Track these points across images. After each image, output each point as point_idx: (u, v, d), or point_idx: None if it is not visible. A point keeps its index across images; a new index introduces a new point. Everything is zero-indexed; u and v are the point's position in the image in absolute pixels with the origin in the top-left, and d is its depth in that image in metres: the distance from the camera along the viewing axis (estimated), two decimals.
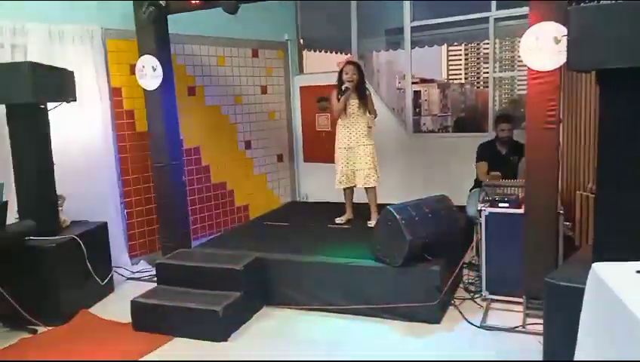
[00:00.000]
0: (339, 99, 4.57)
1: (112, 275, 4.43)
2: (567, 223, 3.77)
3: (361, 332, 3.53)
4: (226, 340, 3.47)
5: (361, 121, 4.60)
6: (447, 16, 5.82)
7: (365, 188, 4.66)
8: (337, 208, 4.96)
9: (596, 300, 2.06)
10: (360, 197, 4.87)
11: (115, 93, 4.88)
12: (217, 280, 3.78)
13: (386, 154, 5.99)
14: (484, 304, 3.78)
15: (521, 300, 3.57)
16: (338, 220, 4.85)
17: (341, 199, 4.89)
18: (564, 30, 3.09)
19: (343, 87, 4.53)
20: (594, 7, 2.45)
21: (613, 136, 2.51)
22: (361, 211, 4.78)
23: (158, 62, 4.53)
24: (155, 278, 4.21)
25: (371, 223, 4.56)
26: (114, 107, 4.88)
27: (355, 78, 4.53)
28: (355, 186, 4.75)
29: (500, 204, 3.77)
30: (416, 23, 5.92)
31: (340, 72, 4.59)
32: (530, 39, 3.26)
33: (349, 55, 5.04)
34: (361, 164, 4.60)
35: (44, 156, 4.02)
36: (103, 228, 4.38)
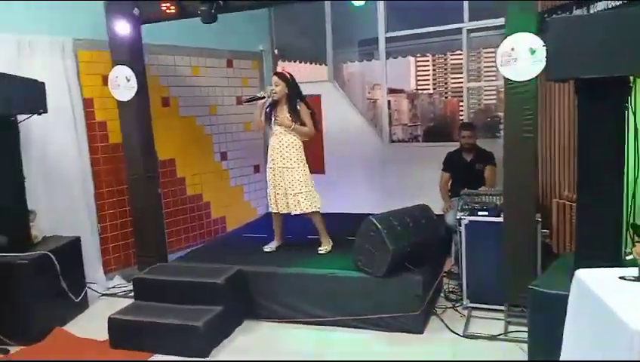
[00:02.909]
0: (265, 113, 4.21)
1: (86, 291, 4.30)
2: (545, 231, 3.84)
3: (344, 344, 3.51)
4: (207, 356, 3.40)
5: (290, 140, 4.15)
6: (419, 28, 5.89)
7: (306, 213, 4.21)
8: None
9: (581, 306, 2.09)
10: (336, 208, 4.80)
11: (86, 104, 4.76)
12: (197, 294, 3.71)
13: (364, 165, 6.03)
14: (465, 312, 3.80)
15: (502, 308, 3.61)
16: (267, 248, 4.39)
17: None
18: (539, 41, 3.17)
19: (259, 94, 4.16)
20: (572, 19, 2.52)
21: (592, 145, 2.56)
22: (340, 221, 4.75)
23: (132, 73, 4.44)
24: (131, 294, 4.11)
25: (322, 250, 4.26)
26: (86, 119, 4.75)
27: (278, 89, 4.10)
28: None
29: (480, 213, 3.81)
30: (390, 34, 5.97)
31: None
32: (506, 49, 3.32)
33: (281, 67, 4.68)
34: (292, 188, 4.15)
35: (14, 169, 3.89)
36: (76, 243, 4.25)
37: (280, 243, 4.47)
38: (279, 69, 4.34)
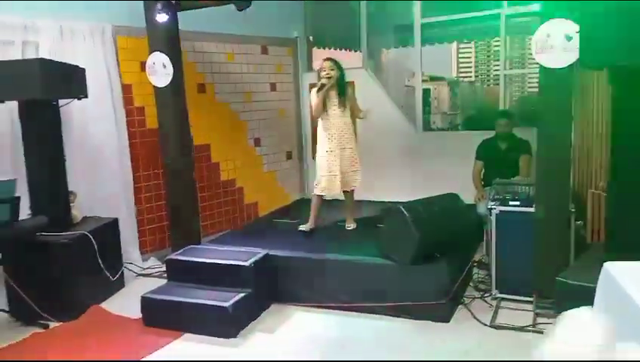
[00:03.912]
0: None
1: (122, 271, 4.45)
2: (579, 222, 3.74)
3: (369, 330, 3.53)
4: (235, 336, 3.48)
5: (346, 121, 4.37)
6: (457, 13, 5.79)
7: (345, 190, 4.46)
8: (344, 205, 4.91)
9: (607, 299, 2.06)
10: (367, 195, 4.82)
11: (125, 89, 4.90)
12: (227, 276, 3.79)
13: (395, 153, 5.99)
14: (494, 303, 3.76)
15: (531, 299, 3.56)
16: (302, 227, 4.54)
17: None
18: (576, 27, 3.07)
19: (319, 83, 4.28)
20: (606, 4, 2.43)
21: (626, 135, 2.49)
22: (370, 209, 4.77)
23: (169, 60, 4.53)
24: (165, 274, 4.23)
25: (350, 226, 4.56)
26: (125, 104, 4.89)
27: (334, 73, 4.26)
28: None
29: (511, 203, 3.74)
30: (426, 20, 5.89)
31: (319, 71, 4.36)
32: (541, 36, 3.23)
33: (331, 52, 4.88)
34: (347, 167, 4.38)
35: (55, 152, 4.05)
36: (114, 224, 4.40)
37: (313, 226, 4.55)
38: (328, 56, 4.49)
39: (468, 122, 9.00)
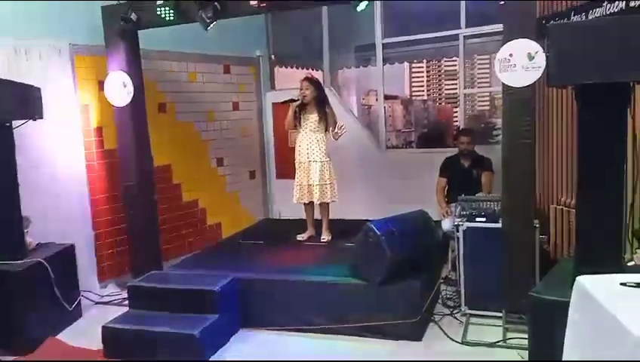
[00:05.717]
0: (294, 114, 4.61)
1: (79, 300, 4.25)
2: (543, 236, 3.82)
3: (342, 352, 3.47)
4: None
5: (317, 137, 4.60)
6: (416, 34, 5.91)
7: (319, 203, 4.66)
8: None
9: (582, 312, 2.07)
10: (333, 213, 4.84)
11: (83, 110, 4.73)
12: (193, 302, 3.67)
13: (359, 170, 6.01)
14: (463, 319, 3.78)
15: (500, 314, 3.58)
16: (299, 237, 4.81)
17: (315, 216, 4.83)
18: (537, 47, 3.17)
19: (295, 97, 4.55)
20: (573, 24, 2.51)
21: (592, 150, 2.55)
22: (337, 227, 4.75)
23: (129, 79, 4.41)
24: (125, 302, 4.07)
25: (324, 238, 4.69)
26: (82, 124, 4.71)
27: (309, 93, 4.53)
28: (313, 201, 4.70)
29: (477, 219, 3.79)
30: (387, 40, 5.98)
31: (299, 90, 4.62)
32: (504, 55, 3.31)
33: (308, 71, 5.14)
34: (316, 179, 4.57)
35: (8, 175, 3.83)
36: (70, 250, 4.20)
37: (312, 234, 4.79)
38: (307, 75, 4.80)
39: (421, 140, 9.17)
